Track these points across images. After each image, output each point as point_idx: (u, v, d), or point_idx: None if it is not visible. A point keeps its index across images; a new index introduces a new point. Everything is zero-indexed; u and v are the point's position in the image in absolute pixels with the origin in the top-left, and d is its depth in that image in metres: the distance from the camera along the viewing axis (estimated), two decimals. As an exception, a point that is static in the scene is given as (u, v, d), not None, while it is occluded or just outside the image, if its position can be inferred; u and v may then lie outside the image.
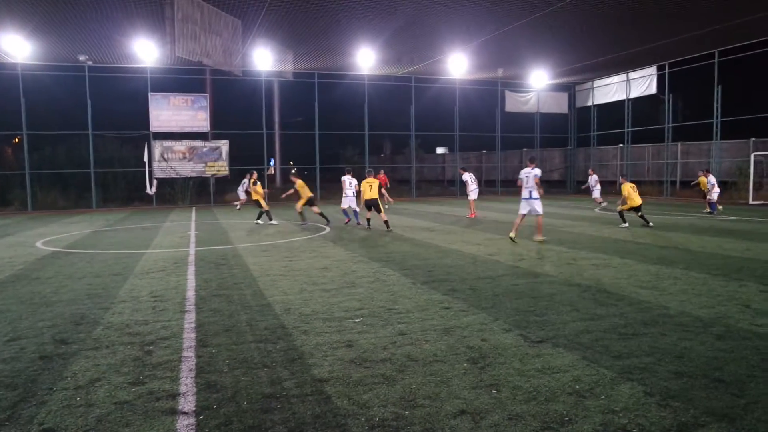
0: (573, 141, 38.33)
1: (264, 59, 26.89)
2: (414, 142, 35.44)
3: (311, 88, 31.71)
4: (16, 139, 30.17)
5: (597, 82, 35.55)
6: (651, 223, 14.82)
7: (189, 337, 5.41)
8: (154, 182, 28.74)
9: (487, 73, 32.66)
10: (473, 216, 19.24)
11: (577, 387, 4.01)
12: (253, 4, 19.59)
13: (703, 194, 20.56)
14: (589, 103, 36.29)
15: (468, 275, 8.35)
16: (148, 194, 28.83)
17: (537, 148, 37.98)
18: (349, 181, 16.66)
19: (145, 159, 28.45)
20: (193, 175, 29.69)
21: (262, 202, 17.91)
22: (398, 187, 36.46)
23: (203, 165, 29.54)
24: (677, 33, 23.31)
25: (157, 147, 28.97)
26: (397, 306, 6.52)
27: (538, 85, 35.40)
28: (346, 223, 17.10)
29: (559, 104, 37.42)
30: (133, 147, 29.92)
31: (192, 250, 11.83)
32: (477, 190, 19.79)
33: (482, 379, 4.22)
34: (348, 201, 16.64)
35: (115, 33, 22.86)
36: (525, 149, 38.70)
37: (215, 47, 23.14)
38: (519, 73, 33.50)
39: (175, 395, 4.03)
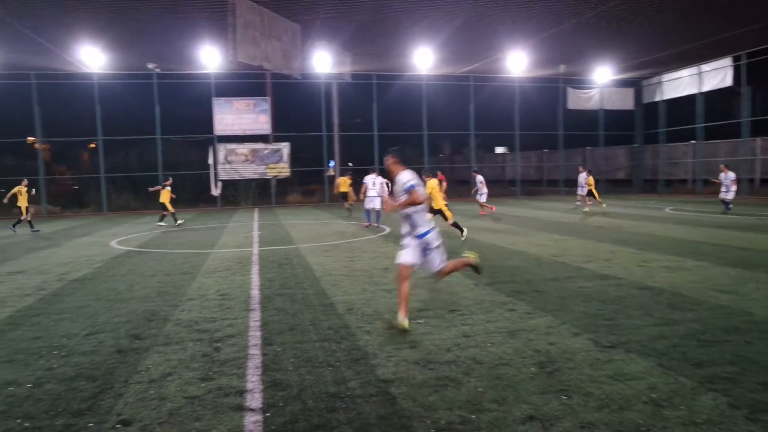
0: (640, 138, 36.85)
1: (323, 62, 27.26)
2: (473, 141, 35.04)
3: (370, 90, 31.92)
4: (92, 145, 31.83)
5: (666, 76, 34.02)
6: None
7: (255, 335, 5.51)
8: (219, 184, 29.68)
9: (548, 69, 31.88)
10: (493, 210, 20.38)
11: (654, 396, 3.81)
12: (312, 7, 19.89)
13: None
14: (657, 99, 34.78)
15: (533, 277, 8.14)
16: (212, 195, 29.82)
17: (601, 146, 36.76)
18: (372, 181, 16.32)
19: (210, 162, 29.46)
20: (255, 176, 30.44)
21: (169, 206, 18.88)
22: (458, 187, 36.14)
23: (265, 167, 30.25)
24: (755, 20, 21.93)
25: (221, 150, 29.89)
26: (460, 307, 6.42)
27: (602, 80, 34.26)
28: (367, 226, 16.37)
29: (624, 100, 36.06)
30: (199, 150, 31.02)
31: (255, 249, 12.10)
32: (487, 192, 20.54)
33: (551, 384, 4.08)
34: (371, 202, 16.12)
35: (181, 41, 23.78)
36: (588, 147, 37.54)
37: (275, 51, 23.61)
38: (582, 69, 32.54)
39: (242, 392, 4.10)
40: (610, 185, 36.51)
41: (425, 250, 5.77)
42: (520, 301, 6.66)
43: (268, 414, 3.71)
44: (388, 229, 15.63)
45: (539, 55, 27.67)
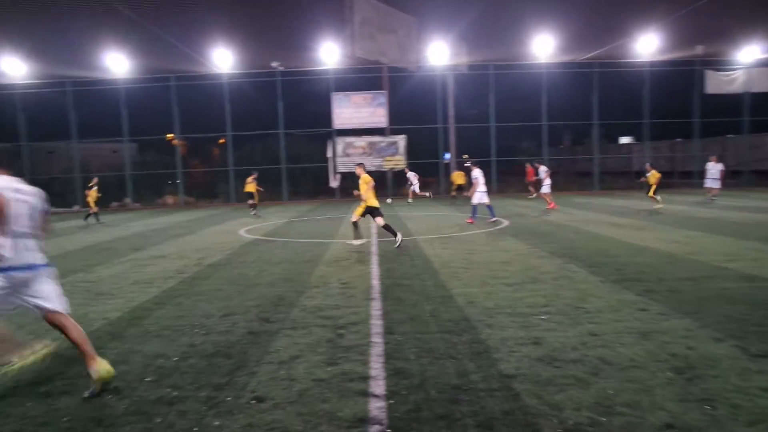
0: (793, 124, 32.93)
1: (439, 53, 27.16)
2: (597, 131, 33.28)
3: (486, 80, 31.35)
4: (222, 140, 34.24)
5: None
6: None
7: (376, 324, 5.63)
8: (338, 176, 30.69)
9: (683, 51, 29.39)
10: (552, 207, 19.39)
11: (818, 412, 3.40)
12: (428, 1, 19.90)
13: None
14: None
15: (665, 275, 7.58)
16: (331, 187, 30.90)
17: (745, 134, 33.33)
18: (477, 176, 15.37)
19: (329, 155, 30.53)
20: (372, 169, 31.06)
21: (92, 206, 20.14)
22: (579, 180, 34.59)
23: (381, 159, 30.81)
24: None
25: (340, 143, 30.86)
26: (585, 305, 6.13)
27: (748, 60, 30.98)
28: (470, 222, 15.37)
29: (774, 82, 32.35)
30: (319, 144, 32.24)
31: (374, 240, 12.38)
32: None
33: (691, 391, 3.77)
34: (481, 196, 15.21)
35: (302, 40, 24.83)
36: (729, 136, 34.20)
37: (391, 45, 23.87)
38: (723, 49, 29.66)
39: (366, 378, 4.21)
40: (756, 177, 33.00)
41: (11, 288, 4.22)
42: (652, 300, 6.22)
43: (391, 401, 3.78)
44: (506, 222, 15.30)
45: (673, 36, 25.60)
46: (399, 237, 11.00)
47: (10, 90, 30.93)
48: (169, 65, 28.38)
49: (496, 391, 3.89)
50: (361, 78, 31.22)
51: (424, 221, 16.60)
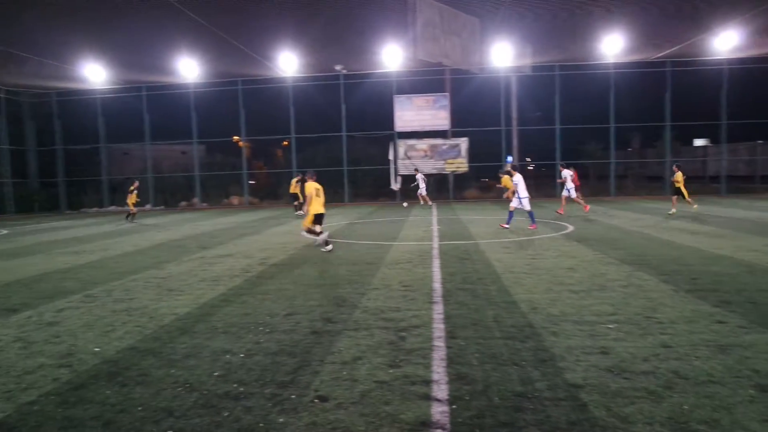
0: None
1: (502, 55, 26.77)
2: (669, 133, 31.87)
3: (551, 81, 30.64)
4: (285, 143, 35.06)
5: None
6: None
7: (438, 328, 5.59)
8: (398, 179, 30.78)
9: (765, 47, 27.70)
10: (587, 209, 19.38)
11: None
12: (493, 2, 19.64)
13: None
14: None
15: (745, 286, 7.15)
16: (392, 190, 31.02)
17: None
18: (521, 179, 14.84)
19: (390, 157, 30.68)
20: (434, 172, 30.99)
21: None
22: (648, 184, 33.27)
23: (443, 162, 30.67)
24: None
25: (401, 146, 30.96)
26: (656, 314, 5.87)
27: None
28: (503, 227, 14.81)
29: None
30: (379, 146, 32.44)
31: (435, 243, 12.31)
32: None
33: (777, 411, 3.53)
34: (517, 201, 14.64)
35: (365, 43, 25.05)
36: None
37: (454, 47, 23.75)
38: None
39: (428, 381, 4.18)
40: None
41: None
42: (731, 312, 5.89)
43: (454, 406, 3.74)
44: (570, 228, 14.89)
45: (754, 30, 24.16)
46: (321, 237, 11.56)
47: (91, 95, 32.97)
48: (236, 69, 29.33)
49: (561, 400, 3.78)
50: (423, 80, 31.21)
51: (485, 224, 16.38)
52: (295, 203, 21.89)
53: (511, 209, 14.99)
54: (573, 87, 31.24)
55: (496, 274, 8.42)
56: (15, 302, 7.56)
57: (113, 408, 3.91)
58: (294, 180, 22.12)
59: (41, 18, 19.49)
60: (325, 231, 11.91)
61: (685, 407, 3.62)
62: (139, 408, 3.89)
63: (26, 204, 32.85)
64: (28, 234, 18.85)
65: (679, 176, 18.32)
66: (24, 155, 34.30)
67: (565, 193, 19.53)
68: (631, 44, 25.53)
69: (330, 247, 11.48)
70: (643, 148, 39.51)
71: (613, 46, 25.49)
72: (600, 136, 32.24)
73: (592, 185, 30.98)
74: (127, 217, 22.34)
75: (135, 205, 21.98)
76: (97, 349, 5.24)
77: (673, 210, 18.60)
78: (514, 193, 15.01)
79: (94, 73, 28.19)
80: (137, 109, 33.08)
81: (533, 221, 14.67)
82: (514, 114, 31.05)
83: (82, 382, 4.42)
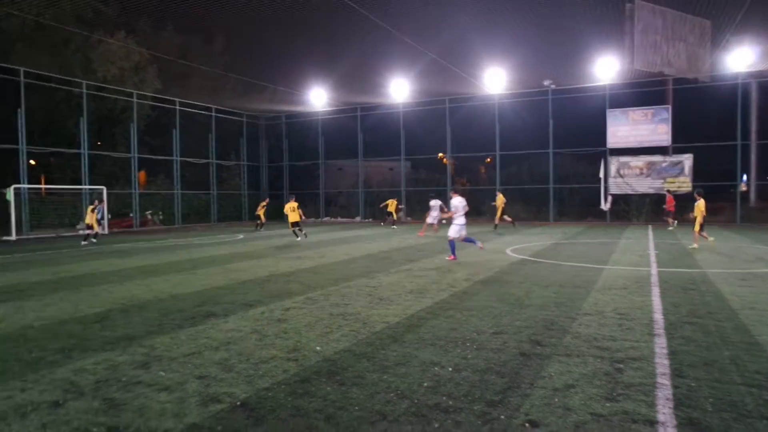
0: None
1: (740, 59, 23.58)
2: None
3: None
4: (489, 159, 35.06)
5: None
6: None
7: (661, 363, 5.06)
8: (609, 198, 28.81)
9: None
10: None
11: None
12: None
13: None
14: None
15: None
16: (601, 210, 29.11)
17: None
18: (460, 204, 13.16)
19: (601, 175, 28.86)
20: (651, 191, 28.41)
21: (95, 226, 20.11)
22: None
23: (662, 180, 27.95)
24: None
25: (613, 163, 28.96)
26: None
27: None
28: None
29: None
30: (588, 163, 30.72)
31: (653, 270, 11.22)
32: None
33: None
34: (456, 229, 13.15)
35: (576, 55, 24.03)
36: None
37: (678, 54, 21.69)
38: None
39: (653, 422, 3.81)
40: None
41: None
42: None
43: (686, 455, 3.34)
44: (829, 260, 12.45)
45: None
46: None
47: (314, 117, 36.96)
48: (443, 88, 30.28)
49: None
50: (638, 93, 28.87)
51: (714, 252, 14.47)
52: (389, 219, 25.93)
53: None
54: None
55: (731, 309, 7.37)
56: (251, 298, 8.65)
57: (333, 404, 4.24)
58: (391, 200, 26.83)
59: (279, 50, 22.38)
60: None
61: None
62: (356, 408, 4.15)
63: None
64: (258, 239, 21.55)
65: (699, 205, 15.26)
66: (258, 171, 40.12)
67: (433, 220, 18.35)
68: None
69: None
70: None
71: None
72: None
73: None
74: (257, 227, 26.30)
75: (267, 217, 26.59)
76: (318, 348, 5.74)
77: (695, 245, 15.37)
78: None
79: (318, 97, 31.45)
80: (352, 128, 36.11)
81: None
82: (753, 126, 27.08)
83: (307, 377, 4.87)
